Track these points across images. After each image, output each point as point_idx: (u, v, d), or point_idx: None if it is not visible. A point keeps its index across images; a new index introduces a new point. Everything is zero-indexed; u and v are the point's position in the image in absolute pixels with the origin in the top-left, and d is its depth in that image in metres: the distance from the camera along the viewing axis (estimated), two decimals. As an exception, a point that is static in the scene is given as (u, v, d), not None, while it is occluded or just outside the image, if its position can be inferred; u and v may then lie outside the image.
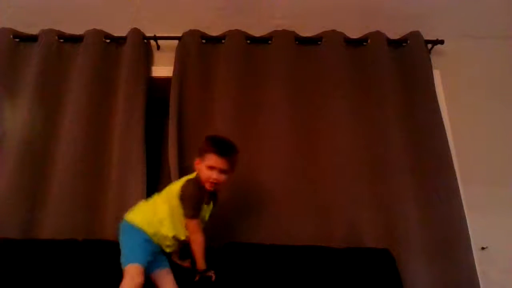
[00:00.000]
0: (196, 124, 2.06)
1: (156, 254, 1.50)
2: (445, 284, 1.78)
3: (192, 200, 1.47)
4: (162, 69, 2.27)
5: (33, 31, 2.26)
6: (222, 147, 1.52)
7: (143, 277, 1.37)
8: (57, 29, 2.26)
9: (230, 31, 2.25)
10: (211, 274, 1.51)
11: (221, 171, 1.49)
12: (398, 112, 2.09)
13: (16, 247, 1.69)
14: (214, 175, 1.48)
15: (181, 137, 2.01)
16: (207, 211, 1.57)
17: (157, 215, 1.48)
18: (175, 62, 2.17)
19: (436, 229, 1.87)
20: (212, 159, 1.48)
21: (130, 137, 2.02)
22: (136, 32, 2.24)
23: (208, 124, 2.06)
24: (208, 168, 1.49)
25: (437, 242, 1.85)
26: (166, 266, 1.54)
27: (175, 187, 1.52)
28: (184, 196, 1.48)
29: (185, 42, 2.21)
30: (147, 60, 2.25)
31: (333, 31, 2.25)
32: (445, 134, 2.06)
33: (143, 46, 2.24)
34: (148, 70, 2.24)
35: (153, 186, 2.58)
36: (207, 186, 1.51)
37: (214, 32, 2.26)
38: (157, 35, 2.25)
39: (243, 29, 2.27)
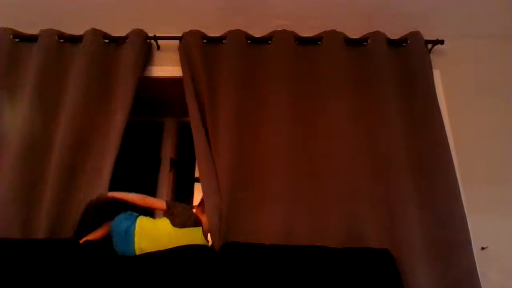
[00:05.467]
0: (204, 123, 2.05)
1: None
2: (445, 284, 1.78)
3: None
4: (162, 69, 2.27)
5: (33, 31, 2.26)
6: None
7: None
8: (57, 29, 2.26)
9: (230, 31, 2.25)
10: None
11: None
12: (398, 112, 2.08)
13: (16, 247, 1.68)
14: None
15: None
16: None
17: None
18: (181, 64, 2.17)
19: (437, 229, 1.87)
20: None
21: (111, 135, 2.01)
22: (138, 32, 2.24)
23: (210, 124, 2.05)
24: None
25: (438, 242, 1.85)
26: None
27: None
28: None
29: (187, 42, 2.20)
30: (147, 59, 2.25)
31: (333, 31, 2.25)
32: (445, 134, 2.06)
33: (145, 46, 2.24)
34: (143, 69, 2.23)
35: (153, 185, 2.60)
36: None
37: (214, 32, 2.26)
38: (157, 35, 2.25)
39: (243, 29, 2.27)
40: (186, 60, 2.16)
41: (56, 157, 1.96)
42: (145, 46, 2.24)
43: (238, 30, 2.26)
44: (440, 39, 2.26)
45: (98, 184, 1.93)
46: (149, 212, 2.07)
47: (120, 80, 2.14)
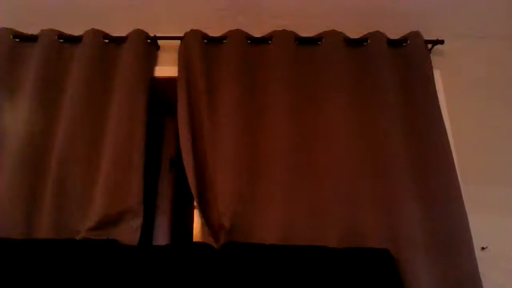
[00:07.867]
0: (200, 124, 2.05)
1: None
2: (446, 284, 1.77)
3: None
4: (162, 69, 2.27)
5: (33, 31, 2.25)
6: None
7: None
8: (57, 29, 2.26)
9: (230, 31, 2.25)
10: None
11: None
12: (398, 112, 2.08)
13: (16, 247, 1.69)
14: None
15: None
16: None
17: None
18: (179, 63, 2.16)
19: (437, 229, 1.86)
20: None
21: (130, 138, 2.01)
22: (138, 32, 2.24)
23: (209, 124, 2.05)
24: None
25: (438, 242, 1.84)
26: None
27: None
28: None
29: (187, 42, 2.20)
30: (150, 60, 2.25)
31: (333, 31, 2.25)
32: (446, 133, 2.05)
33: (146, 46, 2.24)
34: (151, 69, 2.23)
35: (153, 185, 2.60)
36: None
37: (214, 32, 2.26)
38: (157, 35, 2.25)
39: (244, 29, 2.27)
40: (185, 59, 2.15)
41: (58, 157, 1.96)
42: (145, 46, 2.23)
43: (238, 30, 2.26)
44: (440, 39, 2.26)
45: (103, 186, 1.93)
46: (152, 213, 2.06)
47: (120, 80, 2.14)
